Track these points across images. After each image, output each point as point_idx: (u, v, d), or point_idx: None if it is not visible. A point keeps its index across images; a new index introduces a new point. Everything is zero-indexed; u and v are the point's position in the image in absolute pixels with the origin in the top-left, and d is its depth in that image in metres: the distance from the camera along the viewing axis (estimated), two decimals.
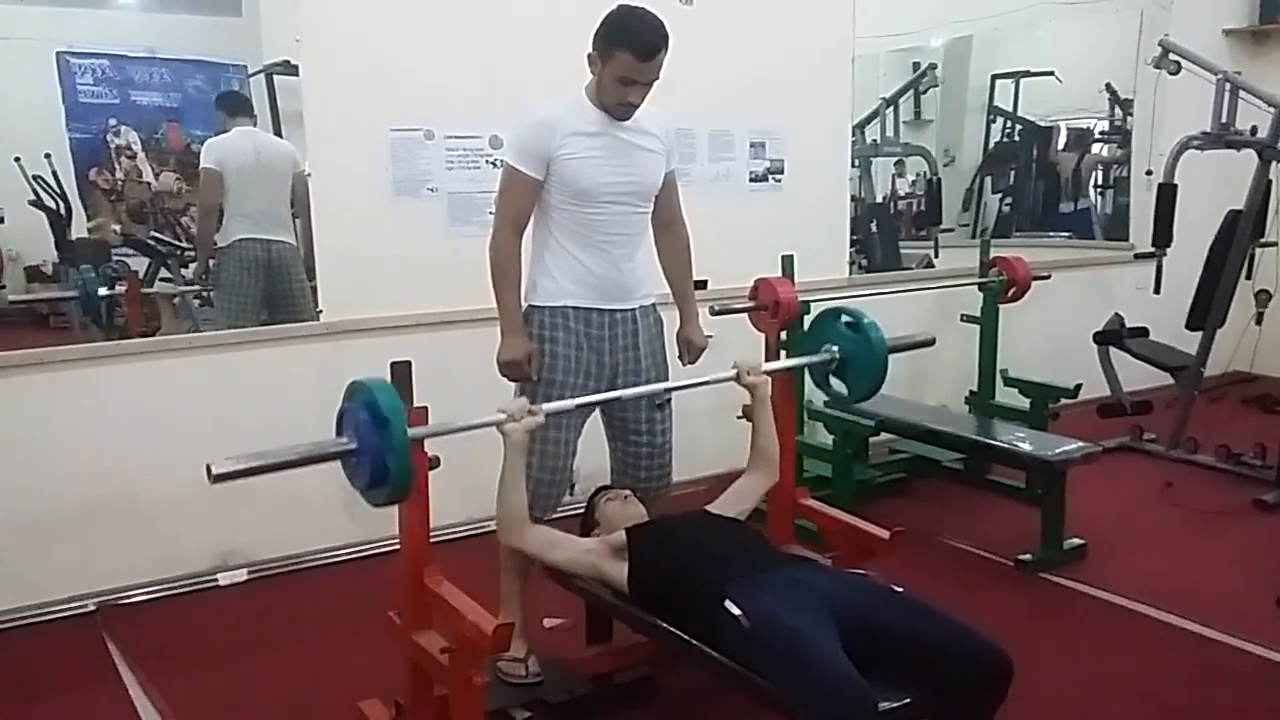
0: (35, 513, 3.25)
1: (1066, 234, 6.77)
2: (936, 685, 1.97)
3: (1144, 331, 4.84)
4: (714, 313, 3.52)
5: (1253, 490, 4.21)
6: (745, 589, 2.08)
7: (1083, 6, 6.12)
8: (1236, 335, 5.20)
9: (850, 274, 4.87)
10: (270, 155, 4.25)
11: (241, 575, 3.55)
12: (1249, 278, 4.76)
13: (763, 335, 3.66)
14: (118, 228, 4.56)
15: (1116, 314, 4.87)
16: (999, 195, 7.13)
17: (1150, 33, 5.32)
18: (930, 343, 3.10)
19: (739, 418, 2.72)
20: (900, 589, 2.16)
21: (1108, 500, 4.10)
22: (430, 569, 2.23)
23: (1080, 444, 3.60)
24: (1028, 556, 3.54)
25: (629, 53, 2.49)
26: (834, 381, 2.81)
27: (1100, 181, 6.84)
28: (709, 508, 2.59)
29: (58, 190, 4.36)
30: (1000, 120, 7.06)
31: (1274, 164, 4.39)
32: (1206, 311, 4.56)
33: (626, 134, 2.63)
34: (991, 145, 7.13)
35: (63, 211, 4.39)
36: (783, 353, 3.56)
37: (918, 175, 6.99)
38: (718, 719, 2.68)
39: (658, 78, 2.56)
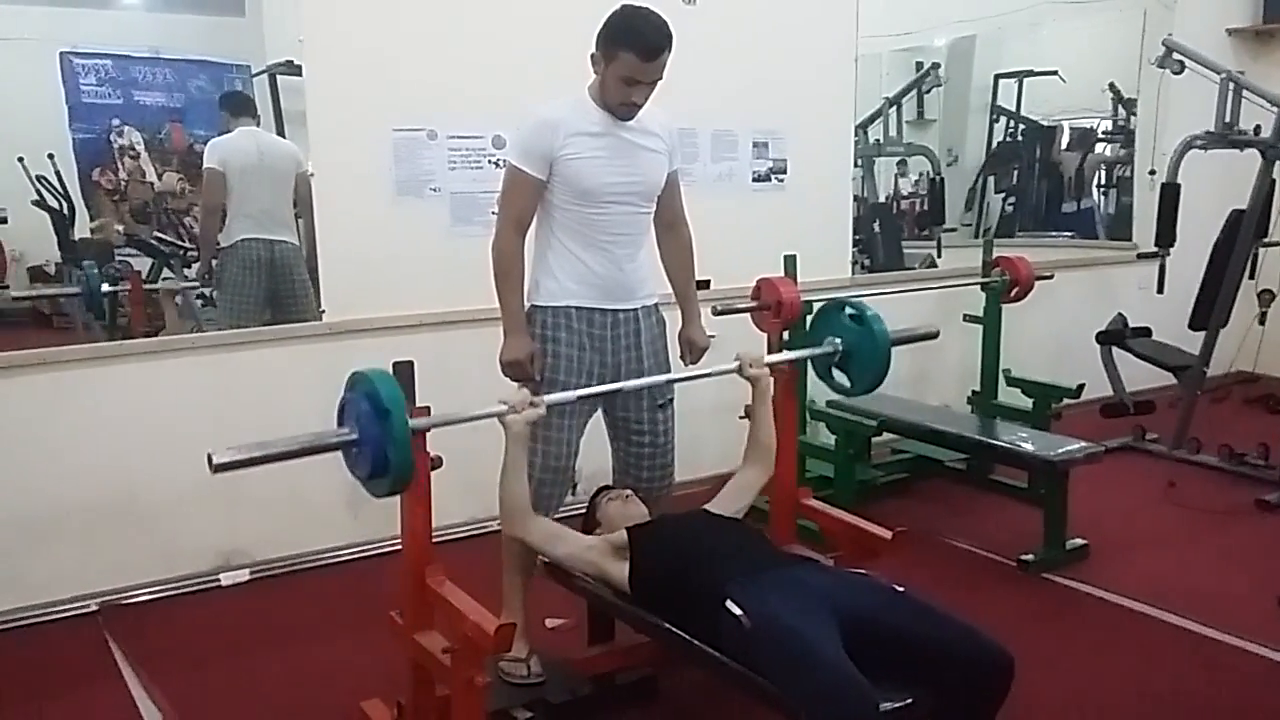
0: (38, 512, 3.25)
1: (1069, 234, 6.77)
2: (938, 685, 1.97)
3: (1147, 331, 4.84)
4: (716, 313, 3.52)
5: (1255, 490, 4.20)
6: (746, 589, 2.09)
7: (1086, 6, 6.12)
8: (1239, 335, 5.20)
9: (853, 274, 4.87)
10: (273, 155, 4.26)
11: (244, 575, 3.55)
12: (1252, 277, 4.75)
13: (765, 335, 3.66)
14: (121, 228, 4.57)
15: (1119, 314, 4.87)
16: (1002, 195, 7.13)
17: (1154, 32, 5.31)
18: (934, 335, 3.10)
19: (741, 418, 2.72)
20: (902, 589, 2.16)
21: (1110, 500, 4.10)
22: (432, 569, 2.23)
23: (1083, 444, 3.60)
24: (1030, 556, 3.53)
25: (632, 53, 2.49)
26: (836, 374, 2.79)
27: (1103, 181, 6.83)
28: (708, 507, 2.59)
29: (61, 190, 4.37)
30: (1003, 120, 7.05)
31: (1277, 163, 4.38)
32: (1209, 311, 4.55)
33: (629, 134, 2.63)
34: (994, 145, 7.12)
35: (66, 212, 4.40)
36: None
37: (920, 175, 6.98)
38: (719, 719, 2.68)
39: (661, 78, 2.56)
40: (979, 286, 4.46)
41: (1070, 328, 5.21)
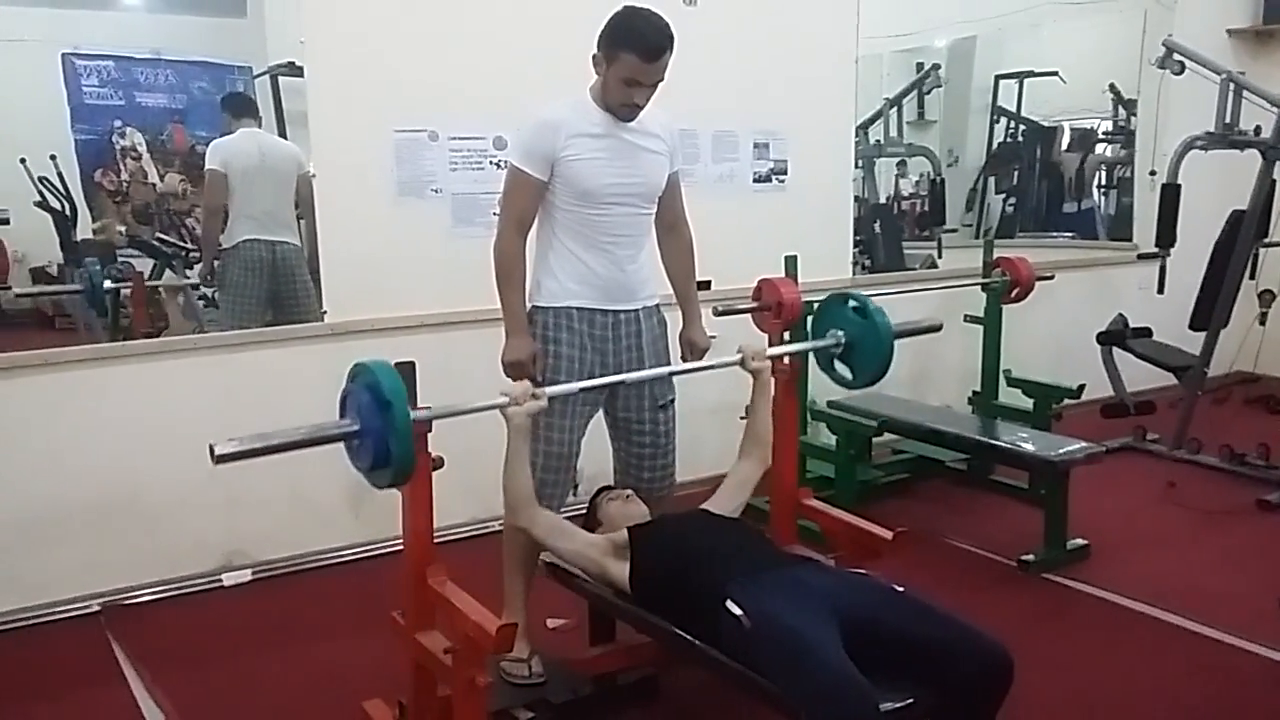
0: (40, 513, 3.26)
1: (1070, 234, 6.77)
2: (938, 685, 1.97)
3: (1147, 332, 4.84)
4: (717, 313, 3.53)
5: (1256, 490, 4.20)
6: (746, 589, 2.09)
7: (1086, 7, 6.12)
8: (1240, 335, 5.20)
9: (854, 274, 4.87)
10: (275, 156, 4.26)
11: (246, 575, 3.56)
12: (1253, 278, 4.75)
13: (766, 336, 3.66)
14: (123, 229, 4.56)
15: (1120, 314, 4.87)
16: (1002, 195, 7.13)
17: (1154, 33, 5.32)
18: (937, 328, 3.09)
19: (741, 418, 2.73)
20: (902, 589, 2.16)
21: (1111, 500, 4.10)
22: (434, 569, 2.24)
23: (1083, 444, 3.60)
24: (1030, 557, 3.54)
25: (634, 54, 2.49)
26: (839, 366, 2.79)
27: (1104, 182, 6.84)
28: (707, 506, 2.60)
29: (63, 191, 4.36)
30: (1004, 120, 7.05)
31: (1278, 164, 4.39)
32: (1210, 312, 4.56)
33: (631, 135, 2.64)
34: (995, 145, 7.12)
35: (68, 213, 4.39)
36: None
37: (921, 175, 6.98)
38: (720, 719, 2.68)
39: (662, 79, 2.57)
40: (980, 287, 4.46)
41: (1071, 328, 5.21)
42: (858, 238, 5.09)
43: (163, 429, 3.39)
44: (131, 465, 3.38)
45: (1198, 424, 4.67)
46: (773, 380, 2.69)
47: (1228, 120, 4.39)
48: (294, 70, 3.69)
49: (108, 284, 4.29)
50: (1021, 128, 6.99)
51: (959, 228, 6.89)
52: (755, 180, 4.46)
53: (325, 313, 3.66)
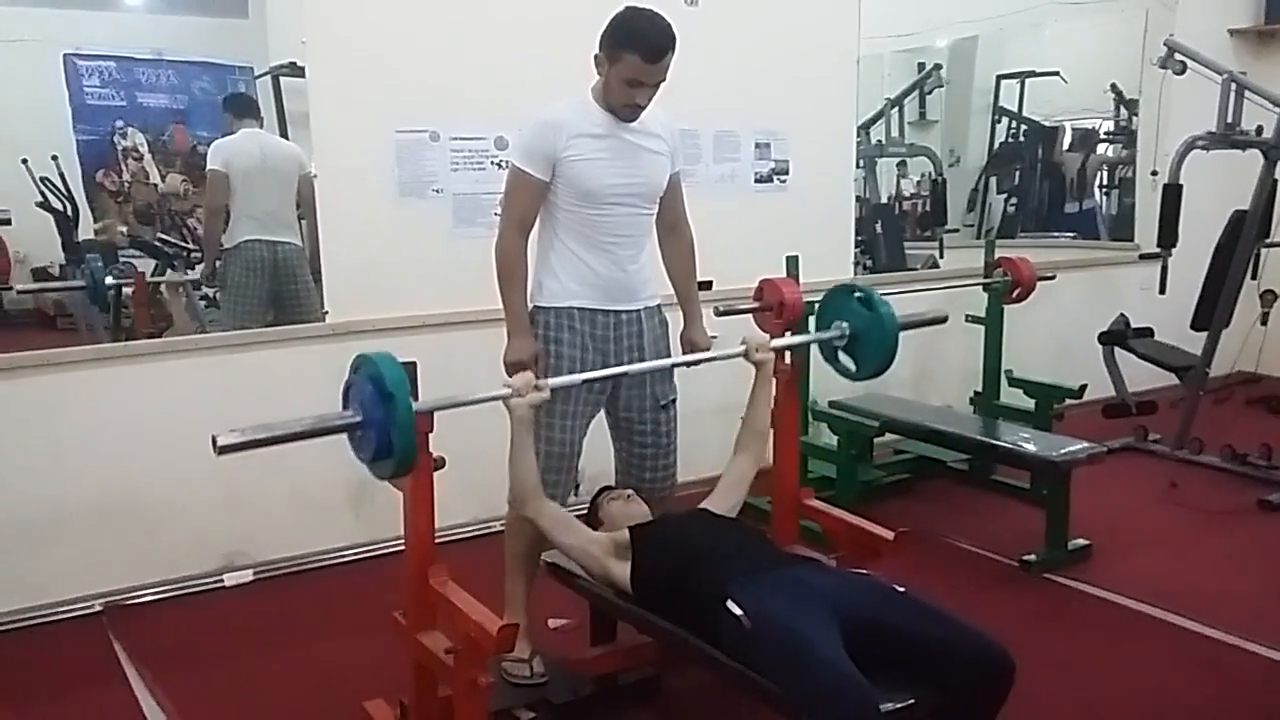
0: (42, 513, 3.26)
1: (1071, 234, 6.76)
2: (939, 685, 1.98)
3: (1149, 332, 4.84)
4: (718, 313, 3.53)
5: (1258, 491, 4.20)
6: (747, 589, 2.09)
7: (1088, 7, 6.11)
8: (1242, 335, 5.19)
9: (855, 274, 4.87)
10: (276, 157, 4.27)
11: (247, 576, 3.56)
12: (1254, 278, 4.74)
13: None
14: (124, 229, 4.57)
15: (1121, 314, 4.87)
16: (1004, 196, 7.12)
17: (1155, 33, 5.32)
18: (942, 320, 3.08)
19: (743, 419, 2.73)
20: (903, 589, 2.16)
21: (1112, 501, 4.09)
22: (435, 569, 2.24)
23: (1085, 444, 3.60)
24: (1032, 557, 3.54)
25: (636, 54, 2.49)
26: (843, 358, 2.78)
27: (1105, 182, 6.82)
28: (706, 506, 2.59)
29: (65, 192, 4.37)
30: (1005, 120, 7.04)
31: (1279, 164, 4.38)
32: (1212, 312, 4.55)
33: (632, 135, 2.64)
34: (996, 146, 7.11)
35: (69, 213, 4.40)
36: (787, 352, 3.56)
37: (923, 175, 6.98)
38: (721, 719, 2.68)
39: (664, 79, 2.57)
40: (981, 287, 4.46)
41: (1072, 328, 5.21)
42: (859, 238, 5.08)
43: (164, 429, 3.39)
44: (133, 465, 3.38)
45: (1199, 424, 4.67)
46: (774, 378, 2.68)
47: (1229, 120, 4.39)
48: (295, 71, 3.70)
49: (110, 280, 4.30)
50: (1023, 128, 6.98)
51: (960, 228, 6.88)
52: (756, 180, 4.46)
53: (326, 313, 3.66)
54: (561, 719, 2.59)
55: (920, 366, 4.93)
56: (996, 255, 4.49)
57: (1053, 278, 4.60)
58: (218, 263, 4.34)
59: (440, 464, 2.21)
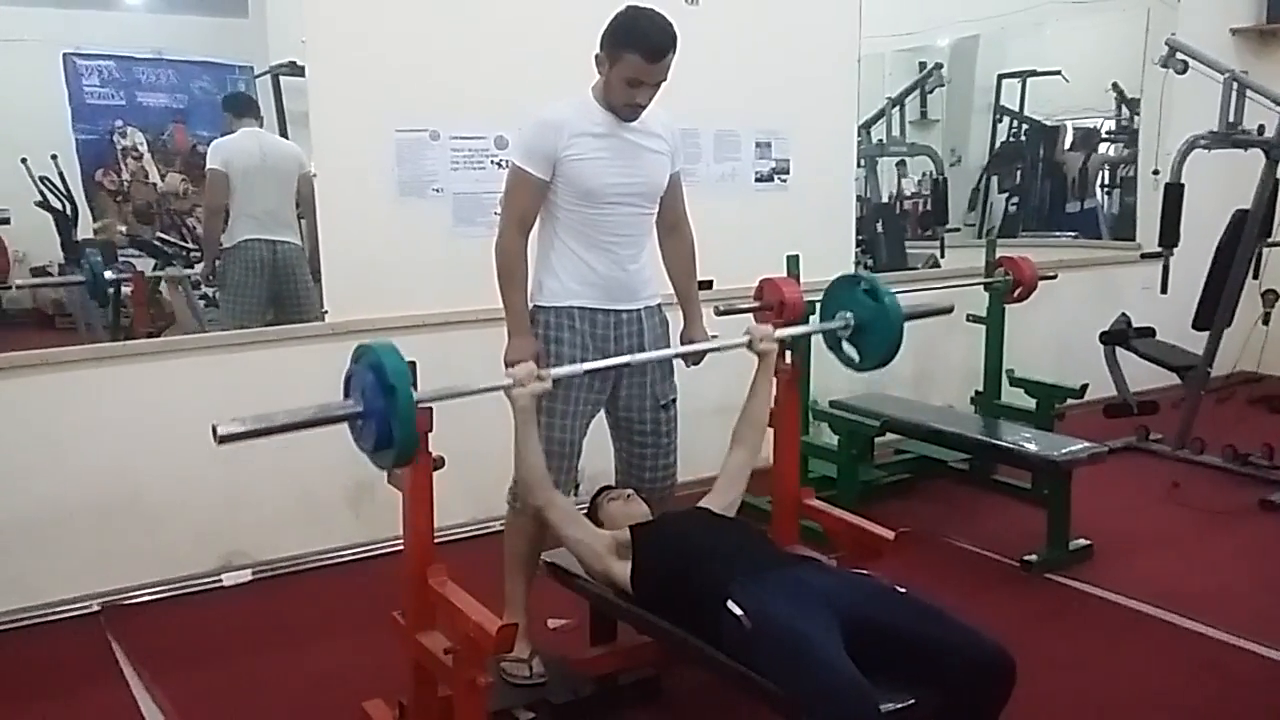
0: (40, 513, 3.25)
1: (1073, 234, 6.75)
2: (939, 686, 1.97)
3: (1150, 331, 4.83)
4: (719, 313, 3.52)
5: (1259, 490, 4.19)
6: (747, 589, 2.08)
7: (1089, 6, 6.11)
8: (1243, 335, 5.19)
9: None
10: (276, 156, 4.26)
11: (246, 576, 3.56)
12: (1256, 277, 4.74)
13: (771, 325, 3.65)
14: (124, 228, 4.57)
15: (1123, 314, 4.86)
16: (1005, 195, 7.11)
17: (1157, 32, 5.31)
18: (948, 310, 3.06)
19: (741, 411, 2.72)
20: (904, 590, 2.15)
21: (1114, 501, 4.09)
22: (434, 569, 2.23)
23: (1086, 444, 3.59)
24: (1033, 557, 3.53)
25: (637, 54, 2.48)
26: (847, 348, 2.77)
27: (1107, 181, 6.82)
28: (706, 504, 2.59)
29: (64, 191, 4.37)
30: (1006, 120, 7.04)
31: None
32: (1213, 311, 4.55)
33: (633, 135, 2.63)
34: (998, 145, 7.10)
35: (69, 212, 4.40)
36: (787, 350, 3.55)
37: (924, 175, 6.98)
38: (721, 719, 2.67)
39: (665, 79, 2.56)
40: (982, 286, 4.45)
41: (1073, 328, 5.20)
42: (860, 237, 5.08)
43: (163, 429, 3.38)
44: (131, 465, 3.38)
45: (1201, 424, 4.66)
46: (775, 377, 2.68)
47: (1231, 119, 4.39)
48: (295, 70, 3.69)
49: (109, 274, 4.29)
50: (1024, 127, 6.98)
51: (961, 227, 6.88)
52: (757, 179, 4.45)
53: (326, 312, 3.66)
54: (561, 719, 2.58)
55: (921, 366, 4.93)
56: (998, 255, 4.48)
57: (1054, 277, 4.59)
58: (217, 262, 4.34)
59: (439, 464, 2.21)
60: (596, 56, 2.57)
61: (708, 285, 3.41)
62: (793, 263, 3.82)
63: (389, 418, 2.00)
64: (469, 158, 3.79)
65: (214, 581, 3.52)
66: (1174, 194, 4.50)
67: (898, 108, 6.75)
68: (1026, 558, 3.53)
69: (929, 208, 6.78)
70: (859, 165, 5.19)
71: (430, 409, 2.16)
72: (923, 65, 6.96)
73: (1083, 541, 3.62)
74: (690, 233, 2.90)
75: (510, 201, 2.66)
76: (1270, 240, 4.67)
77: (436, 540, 2.27)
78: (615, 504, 2.63)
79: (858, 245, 4.95)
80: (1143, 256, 4.98)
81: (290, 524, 3.63)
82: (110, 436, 3.34)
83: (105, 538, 3.35)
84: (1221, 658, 2.94)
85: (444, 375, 2.49)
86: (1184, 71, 4.51)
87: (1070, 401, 4.27)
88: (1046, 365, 4.72)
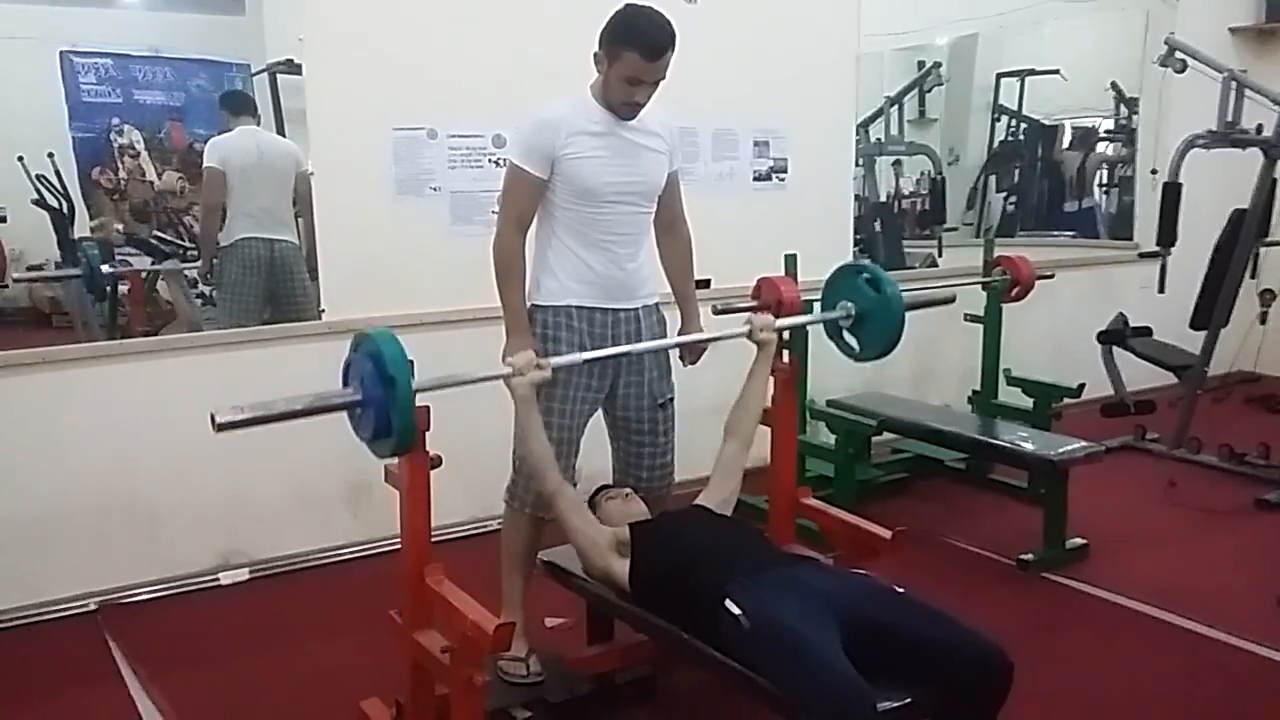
0: (37, 512, 3.25)
1: (1071, 233, 6.76)
2: (937, 686, 1.97)
3: (1148, 331, 4.83)
4: (716, 312, 3.51)
5: (1256, 490, 4.20)
6: (746, 588, 2.08)
7: (1088, 5, 6.11)
8: (1240, 335, 5.19)
9: None
10: (273, 154, 4.26)
11: (243, 575, 3.55)
12: (1253, 277, 4.74)
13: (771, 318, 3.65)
14: (120, 227, 4.56)
15: (1120, 313, 4.86)
16: (1003, 194, 7.12)
17: (1156, 31, 5.31)
18: (951, 300, 3.06)
19: (736, 400, 2.72)
20: (901, 589, 2.15)
21: (1110, 500, 4.09)
22: (431, 568, 2.23)
23: (1083, 443, 3.60)
24: (1030, 556, 3.53)
25: (636, 52, 2.48)
26: (848, 337, 2.77)
27: (1105, 180, 6.82)
28: (703, 502, 2.59)
29: (60, 189, 4.36)
30: (1005, 119, 7.04)
31: (1279, 163, 4.38)
32: (1211, 311, 4.55)
33: (631, 134, 2.63)
34: (996, 144, 7.11)
35: (65, 211, 4.40)
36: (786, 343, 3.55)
37: (922, 174, 6.98)
38: (719, 719, 2.67)
39: (664, 77, 2.56)
40: (980, 286, 4.45)
41: (1071, 327, 5.21)
42: (858, 236, 5.08)
43: (160, 428, 3.38)
44: (128, 464, 3.37)
45: (1198, 423, 4.67)
46: (774, 348, 2.69)
47: (1229, 119, 4.39)
48: (292, 68, 3.68)
49: (106, 268, 4.29)
50: (1023, 126, 6.98)
51: (959, 226, 6.89)
52: (755, 178, 4.45)
53: (323, 311, 3.65)
54: (558, 718, 2.58)
55: (919, 365, 4.93)
56: (995, 254, 4.48)
57: (1052, 276, 4.59)
58: (214, 260, 4.34)
59: (437, 463, 2.21)
60: (595, 55, 2.56)
61: (705, 284, 3.41)
62: (790, 262, 3.82)
63: (388, 406, 2.00)
64: (466, 156, 3.78)
65: (211, 580, 3.51)
66: (1172, 193, 4.50)
67: (896, 107, 6.75)
68: (1023, 557, 3.53)
69: (927, 207, 6.79)
70: (857, 164, 5.18)
71: (428, 408, 2.16)
72: (921, 64, 6.96)
73: (1079, 541, 3.62)
74: (688, 232, 2.90)
75: (508, 200, 2.65)
76: (1268, 240, 4.68)
77: (434, 539, 2.27)
78: (614, 503, 2.62)
79: (856, 244, 4.96)
80: (1140, 256, 4.98)
81: (288, 523, 3.63)
82: (107, 435, 3.34)
83: (102, 536, 3.35)
84: (1217, 657, 2.94)
85: (442, 374, 2.49)
86: (1182, 71, 4.51)
87: (1067, 401, 4.28)
88: (1044, 364, 4.72)
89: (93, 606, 3.32)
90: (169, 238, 4.59)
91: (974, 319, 4.49)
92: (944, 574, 3.41)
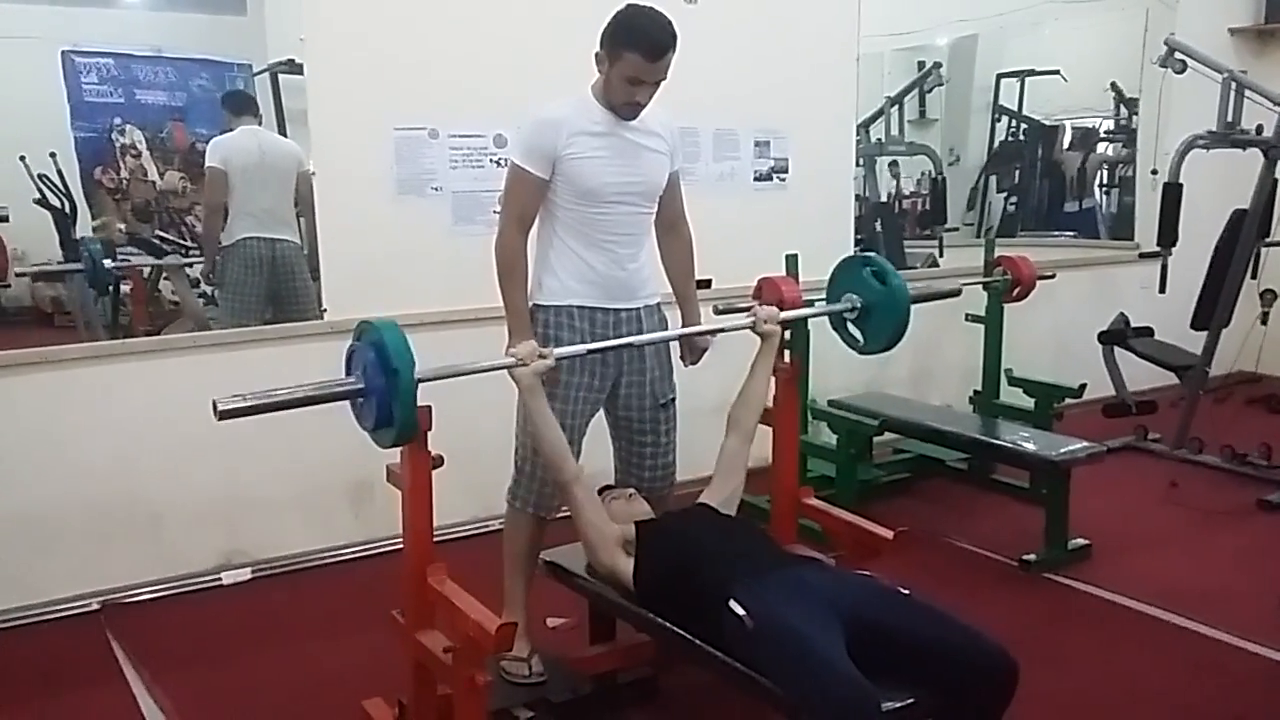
0: (40, 512, 3.25)
1: (1071, 233, 6.76)
2: (940, 687, 1.97)
3: (1149, 331, 4.83)
4: (717, 312, 3.52)
5: (1257, 490, 4.20)
6: (750, 589, 2.08)
7: (1088, 5, 6.12)
8: (1241, 335, 5.19)
9: None
10: (275, 154, 4.26)
11: (245, 574, 3.55)
12: (1254, 277, 4.74)
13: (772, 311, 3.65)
14: (122, 226, 4.57)
15: (1121, 313, 4.86)
16: (1004, 194, 7.13)
17: (1156, 31, 5.32)
18: (956, 293, 3.05)
19: (738, 394, 2.72)
20: (906, 590, 2.15)
21: (1112, 500, 4.09)
22: (434, 568, 2.23)
23: (1085, 444, 3.60)
24: (1032, 557, 3.53)
25: (637, 53, 2.48)
26: (852, 329, 2.76)
27: (1105, 181, 6.83)
28: (707, 500, 2.58)
29: (63, 189, 4.37)
30: (1005, 119, 7.05)
31: (1279, 163, 4.38)
32: (1212, 311, 4.55)
33: (632, 134, 2.63)
34: (996, 144, 7.12)
35: (68, 210, 4.40)
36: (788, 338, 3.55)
37: (922, 174, 6.98)
38: (720, 719, 2.68)
39: (665, 77, 2.56)
40: (981, 286, 4.45)
41: (1072, 327, 5.21)
42: (859, 236, 5.08)
43: (162, 427, 3.38)
44: (131, 464, 3.37)
45: (1199, 424, 4.67)
46: (774, 376, 2.68)
47: (1229, 119, 4.39)
48: (294, 68, 3.69)
49: (109, 263, 4.29)
50: (1023, 126, 6.99)
51: (960, 226, 6.89)
52: (756, 178, 4.45)
53: (325, 311, 3.65)
54: (560, 718, 2.59)
55: (920, 365, 4.93)
56: (996, 254, 4.48)
57: (1052, 276, 4.59)
58: (216, 260, 4.34)
59: (438, 462, 2.21)
60: (596, 55, 2.57)
61: (706, 284, 3.41)
62: (791, 262, 3.82)
63: (390, 395, 2.00)
64: (468, 156, 3.79)
65: (214, 580, 3.51)
66: (1172, 193, 4.50)
67: (896, 107, 6.76)
68: (1025, 557, 3.53)
69: (928, 207, 6.79)
70: (858, 164, 5.19)
71: (430, 407, 2.16)
72: (921, 64, 6.97)
73: (1081, 541, 3.62)
74: (689, 232, 2.90)
75: (510, 200, 2.66)
76: (1269, 240, 4.67)
77: (436, 539, 2.27)
78: (617, 503, 2.62)
79: (856, 244, 4.96)
80: (1141, 256, 4.98)
81: (290, 523, 3.63)
82: (110, 434, 3.34)
83: (104, 536, 3.35)
84: (1219, 657, 2.94)
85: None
86: (1182, 71, 4.52)
87: (1069, 401, 4.28)
88: (1045, 365, 4.72)
89: (95, 606, 3.32)
90: (171, 237, 4.60)
91: (975, 319, 4.49)
92: (946, 574, 3.41)
